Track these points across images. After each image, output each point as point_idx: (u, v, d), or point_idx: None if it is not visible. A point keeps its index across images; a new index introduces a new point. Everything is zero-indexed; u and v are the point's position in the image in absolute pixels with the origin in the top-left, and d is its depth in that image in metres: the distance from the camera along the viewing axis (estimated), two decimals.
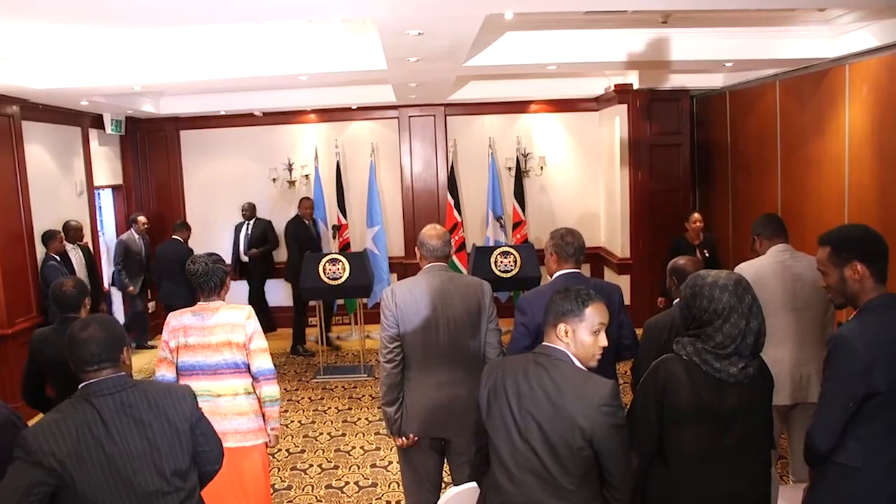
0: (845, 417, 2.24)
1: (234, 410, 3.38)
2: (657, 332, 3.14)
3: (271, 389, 3.44)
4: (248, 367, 3.42)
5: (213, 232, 8.78)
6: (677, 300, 3.22)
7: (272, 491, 4.58)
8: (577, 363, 2.23)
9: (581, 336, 2.23)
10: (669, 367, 2.31)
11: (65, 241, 6.66)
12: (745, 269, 3.56)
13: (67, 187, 7.24)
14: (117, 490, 2.10)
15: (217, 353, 3.33)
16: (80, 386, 2.16)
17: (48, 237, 6.46)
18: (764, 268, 3.58)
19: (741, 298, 2.24)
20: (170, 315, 3.44)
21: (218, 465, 2.43)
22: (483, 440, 2.35)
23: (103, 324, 2.22)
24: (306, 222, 7.78)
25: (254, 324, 3.41)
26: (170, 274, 7.13)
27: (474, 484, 2.82)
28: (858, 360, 2.20)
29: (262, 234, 8.37)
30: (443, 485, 3.42)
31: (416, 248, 3.35)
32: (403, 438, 3.24)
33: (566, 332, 2.23)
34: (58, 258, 6.47)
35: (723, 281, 2.27)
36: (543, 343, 2.28)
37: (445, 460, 3.37)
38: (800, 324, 3.51)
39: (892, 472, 2.23)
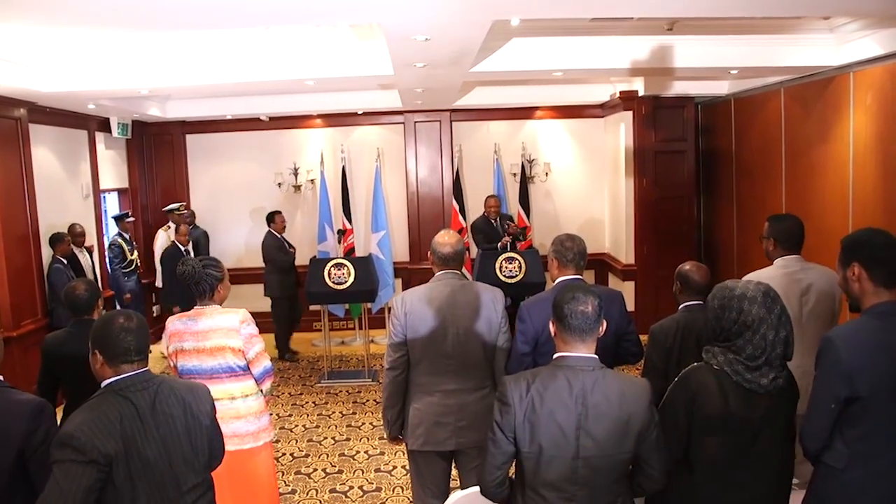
0: (831, 418, 2.30)
1: (230, 414, 3.38)
2: (663, 336, 3.15)
3: (270, 384, 3.56)
4: (245, 370, 3.43)
5: (218, 236, 8.80)
6: (683, 304, 3.25)
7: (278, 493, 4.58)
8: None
9: None
10: (700, 376, 2.32)
11: (72, 245, 6.71)
12: (753, 278, 3.54)
13: (73, 190, 7.27)
14: (156, 483, 2.13)
15: (212, 357, 3.33)
16: (108, 381, 2.17)
17: (56, 240, 6.49)
18: (771, 281, 3.53)
19: (770, 310, 2.25)
20: (168, 320, 3.47)
21: (219, 460, 2.48)
22: (503, 472, 2.25)
23: (141, 318, 2.28)
24: (493, 221, 7.54)
25: (249, 327, 3.41)
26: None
27: (476, 489, 2.83)
28: (841, 363, 2.24)
29: (195, 245, 7.88)
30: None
31: (428, 253, 3.35)
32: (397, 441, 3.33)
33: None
34: (64, 261, 6.50)
35: (752, 293, 2.27)
36: (569, 354, 2.22)
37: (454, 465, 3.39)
38: (803, 336, 3.50)
39: (874, 476, 2.26)
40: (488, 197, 7.71)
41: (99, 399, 2.14)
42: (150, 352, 2.31)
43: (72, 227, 6.89)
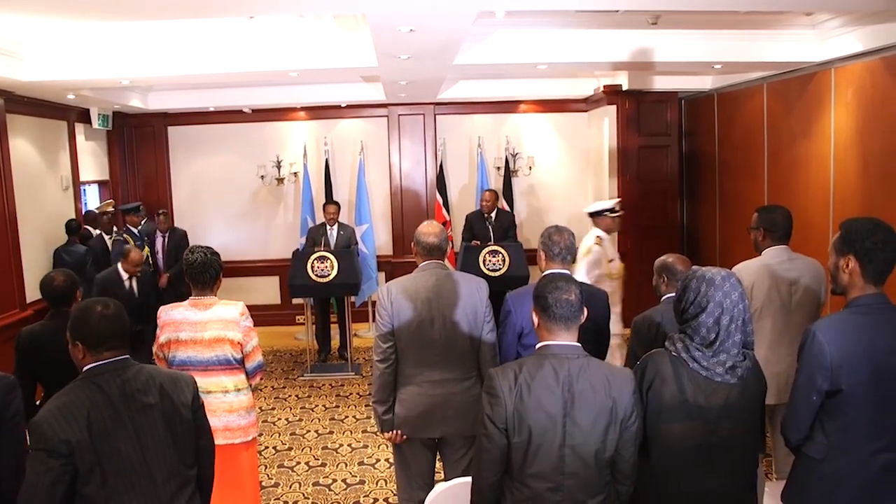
0: (812, 409, 2.33)
1: (223, 408, 3.38)
2: (645, 328, 3.17)
3: (259, 380, 3.59)
4: (240, 364, 3.41)
5: (200, 229, 8.73)
6: (665, 297, 3.27)
7: (260, 488, 4.56)
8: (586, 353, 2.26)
9: None
10: (657, 361, 2.32)
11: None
12: (741, 270, 3.59)
13: (53, 182, 7.16)
14: (128, 473, 2.10)
15: (209, 349, 3.31)
16: (86, 367, 2.16)
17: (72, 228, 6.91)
18: (760, 271, 3.58)
19: (727, 294, 2.24)
20: (161, 309, 3.42)
21: (211, 465, 2.42)
22: (499, 471, 2.23)
23: (119, 305, 2.25)
24: (485, 216, 7.47)
25: (248, 321, 3.41)
26: None
27: (462, 479, 2.83)
28: (823, 356, 2.27)
29: (177, 248, 7.20)
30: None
31: (412, 244, 3.33)
32: (392, 433, 3.25)
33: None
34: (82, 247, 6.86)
35: (710, 275, 2.28)
36: (553, 343, 2.23)
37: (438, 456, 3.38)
38: (789, 326, 3.55)
39: (852, 467, 2.30)
40: (484, 191, 7.70)
41: (72, 385, 2.13)
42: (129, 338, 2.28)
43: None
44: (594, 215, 5.32)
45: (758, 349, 3.48)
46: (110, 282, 5.63)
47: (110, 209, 7.52)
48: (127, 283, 5.72)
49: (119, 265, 5.69)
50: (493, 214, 7.44)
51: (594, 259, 5.02)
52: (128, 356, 2.22)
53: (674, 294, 3.17)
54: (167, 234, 7.40)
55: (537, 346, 2.28)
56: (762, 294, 3.56)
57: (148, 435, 2.15)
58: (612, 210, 5.20)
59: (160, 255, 7.34)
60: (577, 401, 2.15)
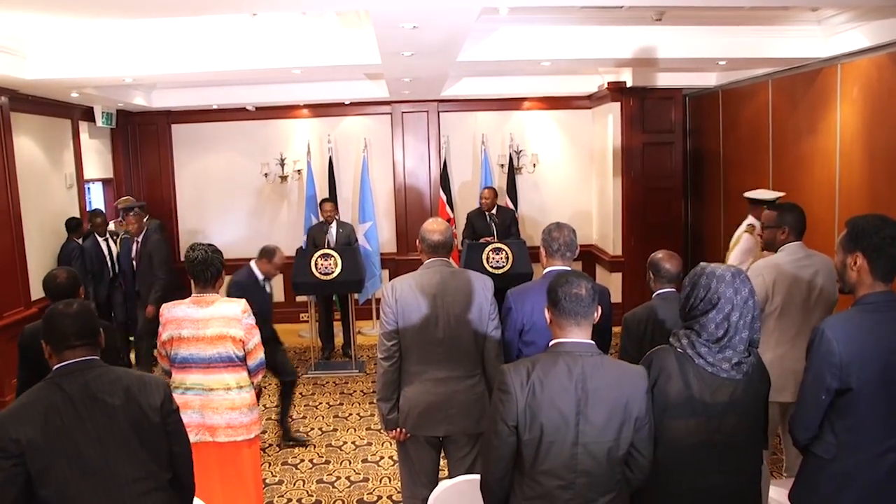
0: (820, 409, 2.31)
1: (226, 405, 3.38)
2: (635, 324, 3.17)
3: (261, 377, 3.62)
4: (242, 361, 3.42)
5: (203, 227, 8.75)
6: (656, 293, 3.26)
7: (263, 486, 4.57)
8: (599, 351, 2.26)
9: None
10: (661, 358, 2.31)
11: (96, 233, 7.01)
12: (760, 268, 3.59)
13: (57, 180, 7.17)
14: (88, 475, 2.05)
15: (211, 346, 3.32)
16: (53, 368, 2.14)
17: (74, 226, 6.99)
18: (781, 269, 3.59)
19: (737, 291, 2.24)
20: (163, 307, 3.43)
21: (188, 472, 2.35)
22: (507, 467, 2.23)
23: (84, 305, 2.23)
24: (486, 214, 7.48)
25: (250, 318, 3.41)
26: None
27: (466, 477, 2.83)
28: (832, 354, 2.25)
29: (149, 260, 6.53)
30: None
31: (417, 242, 3.32)
32: (396, 430, 3.24)
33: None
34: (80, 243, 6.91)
35: (721, 272, 2.27)
36: (566, 340, 2.22)
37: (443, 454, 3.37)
38: (808, 323, 3.53)
39: (860, 465, 2.28)
40: (483, 189, 7.69)
41: (36, 386, 2.12)
42: (100, 339, 2.24)
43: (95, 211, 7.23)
44: (752, 202, 5.27)
45: (777, 346, 3.55)
46: (251, 287, 4.91)
47: (128, 205, 7.53)
48: (265, 286, 5.08)
49: (254, 264, 5.03)
50: (493, 212, 7.44)
51: (746, 247, 5.07)
52: (96, 357, 2.19)
53: (664, 290, 3.21)
54: (141, 240, 6.65)
55: (550, 343, 2.27)
56: (783, 291, 3.56)
57: (110, 436, 2.10)
58: (771, 203, 4.96)
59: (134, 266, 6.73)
60: (590, 399, 2.14)
